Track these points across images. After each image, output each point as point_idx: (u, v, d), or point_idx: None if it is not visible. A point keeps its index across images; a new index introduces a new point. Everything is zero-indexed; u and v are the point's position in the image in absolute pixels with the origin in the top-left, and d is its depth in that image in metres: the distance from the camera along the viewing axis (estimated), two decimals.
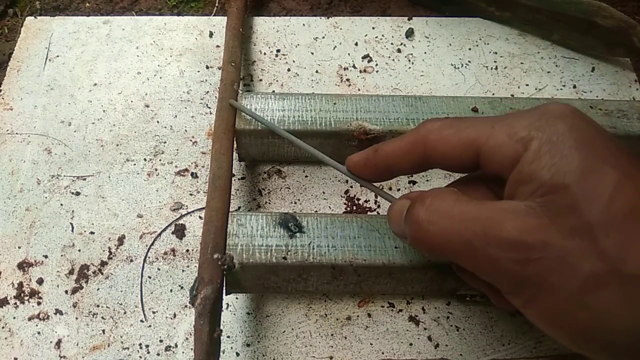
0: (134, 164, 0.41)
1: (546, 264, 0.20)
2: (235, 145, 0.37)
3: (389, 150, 0.27)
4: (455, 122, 0.25)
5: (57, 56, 0.46)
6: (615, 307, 0.19)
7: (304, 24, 0.49)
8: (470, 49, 0.48)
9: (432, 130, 0.25)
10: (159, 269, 0.36)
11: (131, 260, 0.37)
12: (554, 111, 0.22)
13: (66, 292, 0.35)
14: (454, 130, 0.25)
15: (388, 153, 0.27)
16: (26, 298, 0.35)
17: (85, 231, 0.38)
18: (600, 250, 0.19)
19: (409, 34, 0.48)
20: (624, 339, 0.19)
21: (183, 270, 0.36)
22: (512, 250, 0.20)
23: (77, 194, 0.39)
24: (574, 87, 0.45)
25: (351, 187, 0.40)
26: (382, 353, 0.34)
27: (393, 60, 0.47)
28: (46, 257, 0.37)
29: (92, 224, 0.38)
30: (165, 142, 0.42)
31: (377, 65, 0.46)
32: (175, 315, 0.35)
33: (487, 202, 0.22)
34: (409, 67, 0.46)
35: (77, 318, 0.34)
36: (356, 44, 0.48)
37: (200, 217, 0.38)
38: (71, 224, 0.38)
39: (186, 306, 0.35)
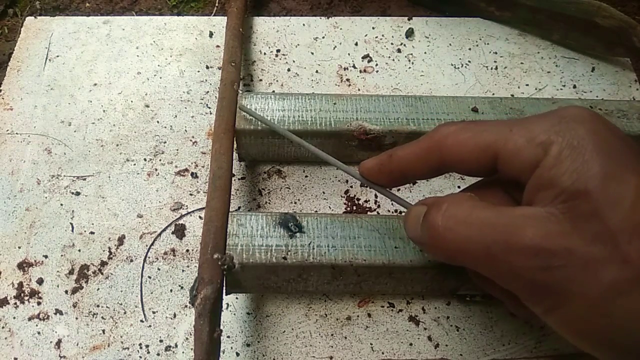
0: (134, 164, 0.41)
1: (569, 272, 0.19)
2: (235, 145, 0.37)
3: (403, 155, 0.27)
4: (471, 126, 0.25)
5: (57, 56, 0.46)
6: (639, 314, 0.19)
7: (304, 24, 0.49)
8: (470, 49, 0.48)
9: (448, 135, 0.25)
10: (159, 269, 0.36)
11: (131, 260, 0.37)
12: (573, 115, 0.22)
13: (66, 292, 0.35)
14: (470, 134, 0.24)
15: (403, 159, 0.27)
16: (26, 298, 0.35)
17: (85, 231, 0.38)
18: (623, 256, 0.19)
19: (409, 34, 0.48)
20: None
21: (183, 270, 0.36)
22: (534, 257, 0.20)
23: (77, 194, 0.39)
24: (574, 87, 0.45)
25: (351, 187, 0.40)
26: (382, 353, 0.34)
27: (393, 60, 0.47)
28: (46, 257, 0.37)
29: (92, 224, 0.38)
30: (165, 142, 0.42)
31: (377, 65, 0.46)
32: (175, 315, 0.35)
33: (506, 208, 0.22)
34: (409, 67, 0.46)
35: (77, 318, 0.34)
36: (356, 44, 0.48)
37: (200, 217, 0.38)
38: (71, 224, 0.38)
39: (186, 306, 0.35)
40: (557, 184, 0.21)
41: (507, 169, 0.23)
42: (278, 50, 0.47)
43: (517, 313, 0.26)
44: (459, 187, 0.40)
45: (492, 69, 0.46)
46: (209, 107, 0.44)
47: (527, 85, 0.46)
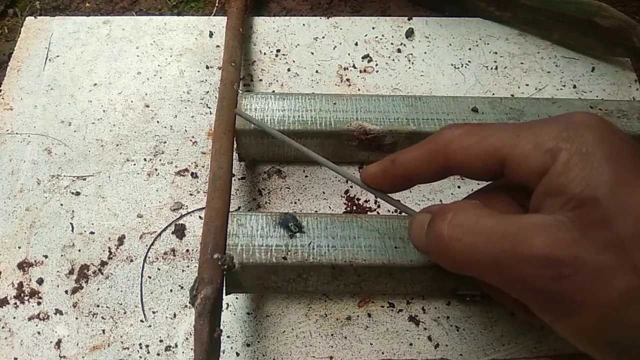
0: (134, 164, 0.41)
1: (579, 281, 0.19)
2: (235, 145, 0.37)
3: (407, 160, 0.26)
4: (476, 130, 0.24)
5: (57, 56, 0.46)
6: None
7: (304, 24, 0.49)
8: (470, 49, 0.48)
9: (453, 139, 0.25)
10: (159, 269, 0.36)
11: (131, 260, 0.37)
12: (581, 121, 0.22)
13: (66, 292, 0.35)
14: (476, 138, 0.24)
15: (407, 163, 0.26)
16: (26, 298, 0.35)
17: (85, 231, 0.38)
18: (633, 264, 0.18)
19: (409, 34, 0.48)
20: None
21: (183, 270, 0.36)
22: (543, 267, 0.20)
23: (77, 194, 0.39)
24: (574, 87, 0.45)
25: (351, 187, 0.40)
26: (382, 353, 0.34)
27: (393, 60, 0.47)
28: (46, 257, 0.37)
29: (92, 224, 0.38)
30: (165, 142, 0.42)
31: (377, 65, 0.46)
32: (175, 315, 0.35)
33: (513, 216, 0.22)
34: (409, 67, 0.46)
35: (77, 318, 0.34)
36: (356, 44, 0.48)
37: (200, 217, 0.38)
38: (71, 224, 0.38)
39: (186, 306, 0.35)
40: (566, 191, 0.20)
41: (514, 175, 0.23)
42: (278, 50, 0.47)
43: (527, 320, 0.25)
44: (458, 187, 0.40)
45: (492, 69, 0.46)
46: (209, 107, 0.43)
47: (527, 85, 0.46)
